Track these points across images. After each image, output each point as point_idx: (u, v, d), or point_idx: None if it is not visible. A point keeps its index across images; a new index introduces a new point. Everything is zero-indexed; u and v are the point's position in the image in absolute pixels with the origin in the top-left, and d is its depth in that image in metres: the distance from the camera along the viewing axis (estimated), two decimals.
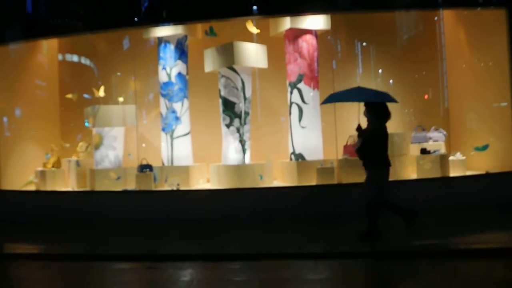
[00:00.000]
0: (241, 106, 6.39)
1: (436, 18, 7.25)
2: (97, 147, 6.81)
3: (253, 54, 6.42)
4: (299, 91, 6.39)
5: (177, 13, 6.26)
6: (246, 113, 6.50)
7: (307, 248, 4.25)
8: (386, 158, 4.39)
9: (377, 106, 4.36)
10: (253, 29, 6.50)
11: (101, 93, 6.98)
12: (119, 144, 6.91)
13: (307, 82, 6.39)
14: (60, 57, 7.87)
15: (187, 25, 6.66)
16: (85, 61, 7.79)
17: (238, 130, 6.39)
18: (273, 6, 6.06)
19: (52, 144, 7.23)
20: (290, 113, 6.52)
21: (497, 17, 6.16)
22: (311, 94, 6.41)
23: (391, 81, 7.33)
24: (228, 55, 6.23)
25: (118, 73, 7.63)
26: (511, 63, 6.06)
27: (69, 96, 7.27)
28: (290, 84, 6.51)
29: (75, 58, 7.83)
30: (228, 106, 6.41)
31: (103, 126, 6.77)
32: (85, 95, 7.73)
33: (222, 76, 6.46)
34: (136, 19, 6.34)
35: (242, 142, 6.36)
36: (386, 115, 4.36)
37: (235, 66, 6.32)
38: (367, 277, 3.58)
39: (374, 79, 7.30)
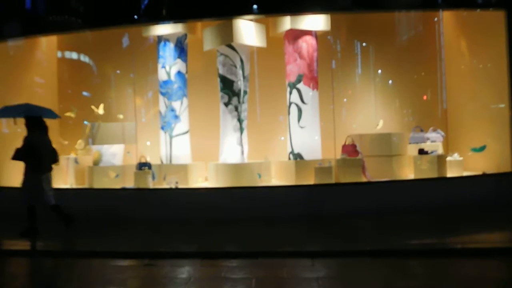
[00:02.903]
0: (239, 84, 6.38)
1: (435, 19, 7.28)
2: (96, 163, 6.80)
3: (252, 32, 6.42)
4: (298, 91, 6.40)
5: (176, 11, 6.26)
6: (245, 92, 6.50)
7: (304, 247, 4.28)
8: (41, 165, 5.03)
9: (32, 120, 5.08)
10: None
11: (101, 110, 6.96)
12: (118, 161, 6.91)
13: (306, 83, 6.41)
14: (59, 54, 7.86)
15: (187, 24, 6.67)
16: (84, 58, 7.79)
17: (236, 108, 6.38)
18: (273, 5, 6.07)
19: None
20: (289, 113, 6.54)
21: (496, 19, 6.19)
22: (310, 95, 6.42)
23: (390, 81, 7.36)
24: (227, 33, 6.23)
25: (117, 71, 7.63)
26: (509, 64, 6.10)
27: (68, 114, 7.22)
28: (289, 84, 6.52)
29: (74, 55, 7.83)
30: (227, 84, 6.41)
31: (103, 143, 6.74)
32: (84, 93, 7.74)
33: (221, 54, 6.45)
34: (135, 16, 6.35)
35: (240, 120, 6.35)
36: (40, 128, 5.10)
37: (233, 44, 6.32)
38: (363, 275, 3.60)
39: (373, 79, 7.33)
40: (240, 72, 6.40)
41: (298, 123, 6.43)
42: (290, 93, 6.49)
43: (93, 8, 6.54)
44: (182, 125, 6.78)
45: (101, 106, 6.99)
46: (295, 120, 6.46)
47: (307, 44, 6.42)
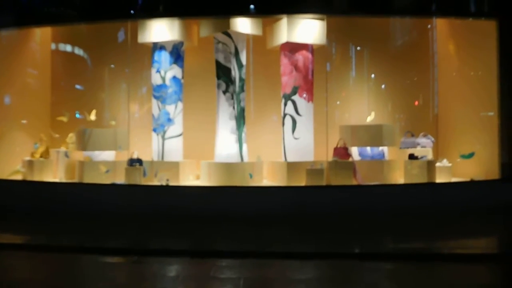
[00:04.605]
0: (236, 72, 6.37)
1: (429, 26, 7.37)
2: None
3: (248, 20, 6.40)
4: (294, 103, 6.45)
5: (173, 8, 6.24)
6: (242, 80, 6.49)
7: (294, 248, 4.30)
8: None
9: None
10: None
11: (93, 116, 6.89)
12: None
13: (301, 95, 6.44)
14: (53, 46, 7.77)
15: (184, 31, 6.61)
16: (78, 51, 7.71)
17: (233, 96, 6.38)
18: (270, 6, 6.09)
19: (41, 133, 7.14)
20: (283, 124, 6.57)
21: (488, 28, 6.30)
22: (305, 106, 6.46)
23: (383, 86, 7.43)
24: (223, 20, 6.21)
25: (112, 65, 7.57)
26: (500, 73, 6.21)
27: (60, 118, 7.13)
28: (284, 96, 6.56)
29: (68, 47, 7.74)
30: (224, 72, 6.40)
31: (94, 149, 6.62)
32: (77, 86, 7.67)
33: (218, 42, 6.44)
34: (132, 11, 6.30)
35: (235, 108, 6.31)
36: None
37: (230, 32, 6.30)
38: (352, 278, 3.64)
39: (366, 83, 7.40)
40: (236, 60, 6.39)
41: (293, 134, 6.47)
42: (285, 104, 6.53)
43: (89, 1, 6.47)
44: (175, 128, 6.74)
45: (93, 112, 6.92)
46: (289, 131, 6.50)
47: (304, 57, 6.46)
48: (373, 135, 6.42)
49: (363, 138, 6.48)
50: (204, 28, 6.58)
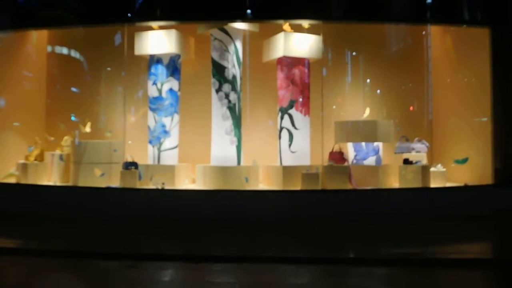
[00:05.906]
0: (231, 71, 6.36)
1: (423, 32, 7.46)
2: None
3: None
4: (290, 116, 6.48)
5: (170, 12, 6.26)
6: (240, 79, 6.47)
7: (289, 253, 4.31)
8: None
9: None
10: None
11: (88, 129, 6.87)
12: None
13: (298, 108, 6.49)
14: (49, 48, 7.74)
15: (181, 44, 6.66)
16: (74, 54, 7.69)
17: (227, 95, 6.34)
18: (267, 11, 6.13)
19: (36, 136, 7.10)
20: (279, 137, 6.59)
21: (481, 35, 6.40)
22: (301, 120, 6.50)
23: (378, 91, 7.50)
24: None
25: (108, 68, 7.55)
26: (492, 80, 6.30)
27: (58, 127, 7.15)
28: (281, 109, 6.59)
29: (64, 50, 7.72)
30: (218, 70, 6.38)
31: (90, 162, 6.55)
32: (73, 89, 7.64)
33: (215, 38, 6.43)
34: (129, 15, 6.31)
35: (230, 108, 6.25)
36: None
37: (227, 28, 6.29)
38: (347, 283, 3.65)
39: (362, 89, 7.46)
40: (233, 58, 6.39)
41: (289, 148, 6.49)
42: (282, 118, 6.56)
43: (86, 4, 6.47)
44: (171, 140, 6.74)
45: (88, 124, 6.90)
46: (286, 145, 6.52)
47: (300, 71, 6.50)
48: (368, 130, 6.45)
49: (358, 134, 6.51)
50: (201, 24, 6.58)
